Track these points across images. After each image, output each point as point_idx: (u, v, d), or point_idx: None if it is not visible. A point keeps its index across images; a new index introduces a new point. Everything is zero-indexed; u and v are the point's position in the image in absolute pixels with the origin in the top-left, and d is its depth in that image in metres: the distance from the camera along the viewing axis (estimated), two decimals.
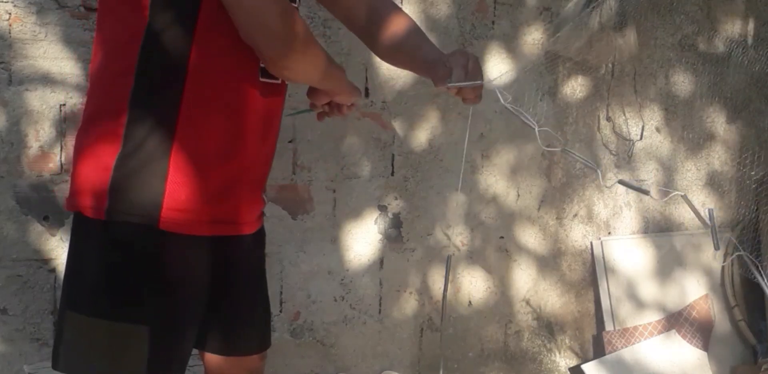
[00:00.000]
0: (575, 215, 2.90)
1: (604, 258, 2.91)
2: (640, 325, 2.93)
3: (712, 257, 3.13)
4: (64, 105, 2.05)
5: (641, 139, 3.00)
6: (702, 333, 3.02)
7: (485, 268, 2.74)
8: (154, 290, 1.35)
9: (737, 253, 1.15)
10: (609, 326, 2.89)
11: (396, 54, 1.63)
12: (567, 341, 2.92)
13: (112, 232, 1.34)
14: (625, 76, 2.93)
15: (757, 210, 3.17)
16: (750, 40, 3.15)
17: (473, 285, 2.72)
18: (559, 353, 2.91)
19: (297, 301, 2.41)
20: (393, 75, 2.49)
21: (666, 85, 3.02)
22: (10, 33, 1.98)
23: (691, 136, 3.10)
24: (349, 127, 2.45)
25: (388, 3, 1.65)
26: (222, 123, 1.37)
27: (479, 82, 1.47)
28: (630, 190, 2.97)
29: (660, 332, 2.95)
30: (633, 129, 2.98)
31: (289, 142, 2.36)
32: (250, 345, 1.60)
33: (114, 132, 1.34)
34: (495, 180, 2.72)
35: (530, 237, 2.81)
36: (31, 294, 2.06)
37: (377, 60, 2.35)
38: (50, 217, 2.06)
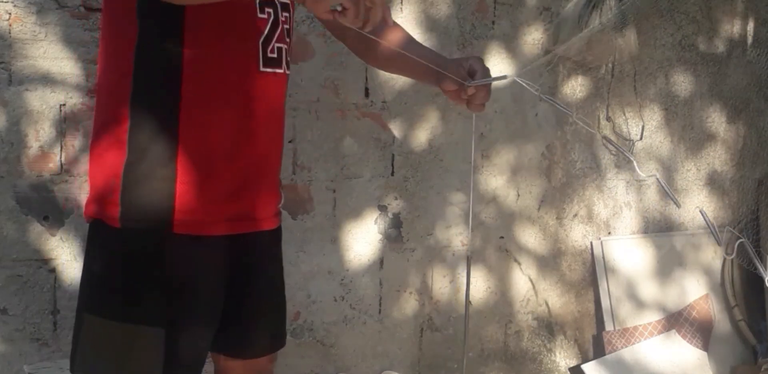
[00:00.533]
0: (575, 215, 2.90)
1: (604, 258, 2.91)
2: (640, 325, 2.93)
3: (711, 257, 3.13)
4: (64, 105, 2.05)
5: (641, 139, 3.00)
6: (702, 333, 3.01)
7: (485, 268, 2.74)
8: (169, 293, 1.35)
9: (740, 240, 1.15)
10: (609, 326, 2.89)
11: (398, 59, 1.57)
12: (567, 341, 2.92)
13: (127, 240, 1.35)
14: (625, 76, 2.93)
15: (757, 210, 3.17)
16: (750, 40, 3.15)
17: (473, 285, 2.72)
18: (559, 353, 2.91)
19: (297, 301, 2.41)
20: (393, 75, 2.49)
21: (666, 85, 3.02)
22: (10, 33, 1.98)
23: (691, 136, 3.10)
24: (349, 127, 2.45)
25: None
26: (226, 118, 1.36)
27: (504, 75, 1.42)
28: (630, 190, 2.97)
29: (660, 332, 2.95)
30: (633, 129, 2.98)
31: (289, 142, 2.36)
32: (262, 347, 1.58)
33: (119, 139, 1.34)
34: (495, 180, 2.72)
35: (530, 237, 2.81)
36: (31, 294, 2.06)
37: None
38: (50, 217, 2.06)
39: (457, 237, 2.66)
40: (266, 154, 1.44)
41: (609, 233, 2.97)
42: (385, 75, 2.48)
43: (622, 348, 2.87)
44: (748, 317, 3.11)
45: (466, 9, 2.60)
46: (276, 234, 1.57)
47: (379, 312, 2.57)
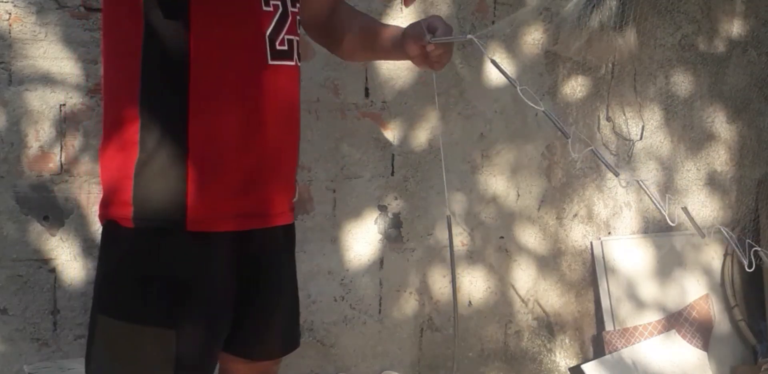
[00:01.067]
0: (575, 215, 2.90)
1: (604, 258, 2.91)
2: (640, 325, 2.93)
3: (711, 257, 3.13)
4: (64, 105, 2.05)
5: (641, 138, 3.00)
6: (702, 333, 3.01)
7: (485, 268, 2.74)
8: (182, 292, 1.34)
9: (718, 226, 1.17)
10: (609, 326, 2.89)
11: (360, 36, 1.60)
12: (567, 341, 2.92)
13: (141, 239, 1.34)
14: (625, 76, 2.93)
15: (757, 210, 3.17)
16: (750, 40, 3.15)
17: (473, 285, 2.72)
18: (559, 353, 2.91)
19: None
20: (393, 75, 2.50)
21: (666, 85, 3.02)
22: (10, 33, 1.98)
23: (691, 136, 3.10)
24: (349, 127, 2.45)
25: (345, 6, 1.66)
26: (235, 113, 1.34)
27: (464, 35, 1.43)
28: (630, 190, 2.97)
29: (660, 332, 2.95)
30: (633, 129, 2.98)
31: None
32: (273, 349, 1.57)
33: (129, 139, 1.33)
34: (495, 180, 2.72)
35: (530, 237, 2.82)
36: (31, 294, 2.06)
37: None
38: (50, 217, 2.06)
39: (457, 237, 2.66)
40: (279, 147, 1.42)
41: (609, 233, 2.97)
42: (385, 75, 2.48)
43: (622, 348, 2.87)
44: (748, 317, 3.11)
45: (466, 9, 2.60)
46: (289, 230, 1.54)
47: (379, 312, 2.57)
